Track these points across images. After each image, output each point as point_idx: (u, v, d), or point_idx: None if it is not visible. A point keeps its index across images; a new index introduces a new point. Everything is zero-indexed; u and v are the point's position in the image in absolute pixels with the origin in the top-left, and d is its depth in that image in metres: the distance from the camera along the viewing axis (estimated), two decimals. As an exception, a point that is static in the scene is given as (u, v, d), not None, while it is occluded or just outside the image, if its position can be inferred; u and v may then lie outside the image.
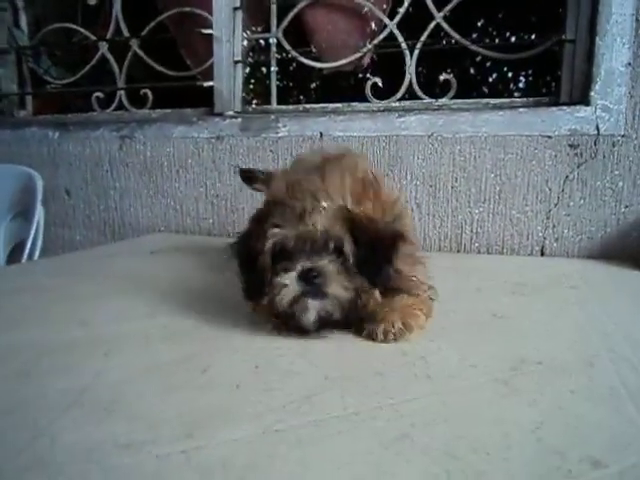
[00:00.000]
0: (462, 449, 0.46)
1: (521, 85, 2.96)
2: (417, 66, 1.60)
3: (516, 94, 2.93)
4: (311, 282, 0.70)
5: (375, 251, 0.73)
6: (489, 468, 0.43)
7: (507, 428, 0.50)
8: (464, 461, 0.44)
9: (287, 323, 0.74)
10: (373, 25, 1.76)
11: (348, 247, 0.72)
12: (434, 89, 1.62)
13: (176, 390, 0.59)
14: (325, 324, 0.74)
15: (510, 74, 2.97)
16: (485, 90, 2.89)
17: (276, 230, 0.72)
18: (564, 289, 1.06)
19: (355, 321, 0.76)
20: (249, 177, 1.36)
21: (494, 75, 2.98)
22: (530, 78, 2.94)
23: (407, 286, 0.79)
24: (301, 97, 3.45)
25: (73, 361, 0.67)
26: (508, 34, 2.74)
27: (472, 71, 2.89)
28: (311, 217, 0.71)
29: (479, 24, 2.79)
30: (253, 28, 1.92)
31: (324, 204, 0.72)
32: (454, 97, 1.55)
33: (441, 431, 0.50)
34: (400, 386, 0.60)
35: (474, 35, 2.58)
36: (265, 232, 0.73)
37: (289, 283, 0.70)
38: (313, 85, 3.31)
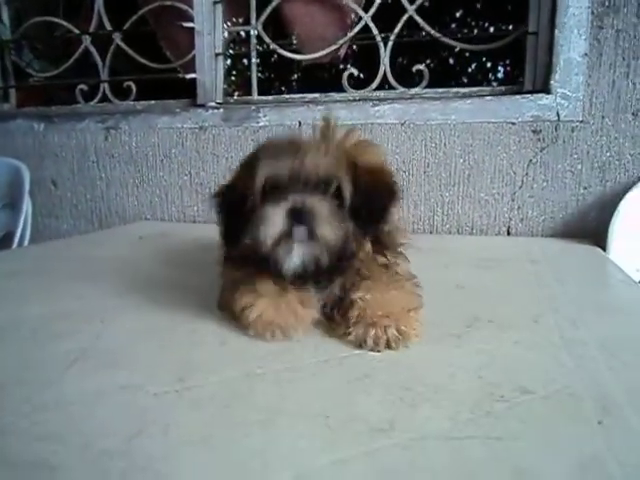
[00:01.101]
0: (415, 384, 0.55)
1: (490, 74, 3.08)
2: (392, 56, 1.67)
3: (494, 83, 3.04)
4: (300, 220, 0.64)
5: (373, 200, 0.68)
6: (436, 396, 0.52)
7: (454, 369, 0.59)
8: (415, 392, 0.53)
9: (266, 270, 0.68)
10: (350, 17, 1.82)
11: (347, 190, 0.67)
12: (408, 78, 1.70)
13: (169, 348, 0.66)
14: (307, 273, 0.67)
15: (479, 64, 3.08)
16: (456, 78, 2.99)
17: (269, 162, 0.67)
18: (524, 263, 1.16)
19: (338, 275, 0.70)
20: None
21: (464, 65, 3.09)
22: (500, 67, 3.06)
23: (390, 271, 0.74)
24: (282, 88, 3.51)
25: (73, 328, 0.74)
26: (478, 26, 2.85)
27: (444, 61, 2.99)
28: (308, 153, 0.66)
29: (451, 16, 2.89)
30: (234, 19, 1.99)
31: (321, 146, 0.68)
32: (426, 86, 1.63)
33: (398, 372, 0.58)
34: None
35: (447, 25, 2.68)
36: (256, 169, 0.67)
37: (276, 217, 0.64)
38: (293, 76, 3.37)
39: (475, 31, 2.91)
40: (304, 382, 0.56)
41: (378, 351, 0.64)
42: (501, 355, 0.63)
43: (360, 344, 0.65)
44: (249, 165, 0.71)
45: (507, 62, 2.95)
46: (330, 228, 0.64)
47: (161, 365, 0.61)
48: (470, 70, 3.10)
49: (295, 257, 0.66)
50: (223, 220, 0.75)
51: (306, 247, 0.65)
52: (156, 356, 0.64)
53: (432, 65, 1.71)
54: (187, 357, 0.63)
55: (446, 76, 2.81)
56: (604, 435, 0.45)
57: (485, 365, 0.60)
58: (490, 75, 3.06)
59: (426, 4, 1.63)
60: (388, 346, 0.64)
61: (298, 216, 0.64)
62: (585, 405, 0.50)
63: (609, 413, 0.48)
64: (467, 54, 2.99)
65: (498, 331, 0.72)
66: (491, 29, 2.81)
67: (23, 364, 0.61)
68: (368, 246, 0.70)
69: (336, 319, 0.71)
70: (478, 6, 2.88)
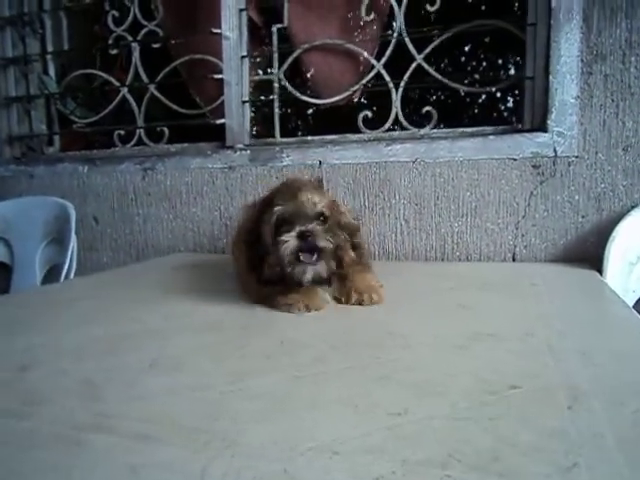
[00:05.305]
0: (423, 383, 0.68)
1: (493, 114, 3.28)
2: (403, 98, 1.84)
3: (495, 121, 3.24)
4: (306, 239, 0.96)
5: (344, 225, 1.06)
6: (440, 390, 0.65)
7: (455, 371, 0.72)
8: (422, 387, 0.66)
9: (287, 280, 1.00)
10: (364, 65, 2.01)
11: (330, 224, 1.01)
12: (418, 118, 1.86)
13: (223, 359, 0.81)
14: (317, 278, 1.01)
15: (483, 106, 3.29)
16: (462, 118, 3.19)
17: (279, 207, 0.99)
18: (524, 286, 1.29)
19: (337, 279, 1.07)
20: None
21: (469, 105, 3.29)
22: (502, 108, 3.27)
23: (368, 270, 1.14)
24: (300, 123, 3.75)
25: (139, 344, 0.89)
26: (481, 70, 3.08)
27: (451, 101, 3.20)
28: (303, 195, 0.99)
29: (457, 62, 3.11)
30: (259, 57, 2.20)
31: (315, 192, 1.02)
32: (437, 126, 1.80)
33: (410, 375, 0.72)
34: (385, 352, 0.82)
35: (453, 68, 2.89)
36: (271, 210, 0.99)
37: (290, 239, 0.96)
38: (314, 112, 3.59)
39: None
40: (335, 382, 0.70)
41: (360, 304, 1.06)
42: (496, 361, 0.76)
43: (360, 303, 1.06)
44: (264, 208, 1.04)
45: (503, 103, 3.16)
46: (325, 241, 0.97)
47: (219, 372, 0.75)
48: (473, 110, 3.30)
49: (308, 273, 0.99)
50: (248, 249, 1.09)
51: (313, 265, 0.98)
52: (213, 365, 0.78)
53: (439, 104, 1.86)
54: (238, 366, 0.78)
55: (453, 115, 3.00)
56: (571, 415, 0.58)
57: (481, 368, 0.73)
58: (490, 114, 3.25)
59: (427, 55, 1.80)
60: (374, 303, 1.07)
61: (304, 236, 0.96)
62: (560, 395, 0.63)
63: (577, 401, 0.61)
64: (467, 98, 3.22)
65: (495, 343, 0.85)
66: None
67: (108, 370, 0.76)
68: (351, 253, 1.07)
69: (340, 298, 1.09)
70: (478, 56, 3.11)
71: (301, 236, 0.95)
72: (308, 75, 2.09)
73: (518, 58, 2.98)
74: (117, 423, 0.58)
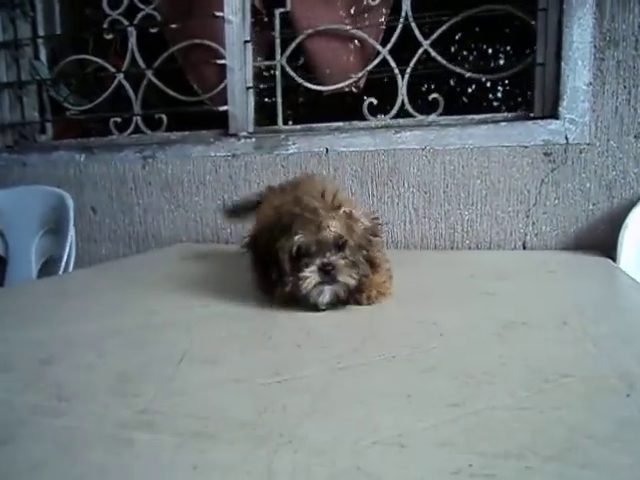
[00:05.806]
0: (472, 371, 0.66)
1: (504, 101, 3.27)
2: (409, 85, 1.81)
3: (503, 108, 3.23)
4: (328, 273, 0.92)
5: (362, 244, 0.99)
6: (492, 379, 0.63)
7: (504, 360, 0.70)
8: (473, 376, 0.64)
9: (305, 304, 0.95)
10: (369, 51, 1.97)
11: (349, 247, 0.95)
12: (424, 105, 1.84)
13: (254, 350, 0.78)
14: (334, 303, 0.96)
15: (492, 92, 3.27)
16: (470, 105, 3.17)
17: (299, 236, 0.93)
18: (543, 273, 1.28)
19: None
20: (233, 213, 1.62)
21: (479, 92, 3.28)
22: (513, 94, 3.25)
23: (378, 265, 1.05)
24: (290, 112, 3.68)
25: (165, 336, 0.85)
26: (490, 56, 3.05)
27: (459, 88, 3.18)
28: (323, 222, 0.93)
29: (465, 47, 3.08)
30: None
31: (333, 217, 0.94)
32: (443, 114, 1.77)
33: (456, 364, 0.69)
34: (420, 341, 0.79)
35: (460, 55, 2.87)
36: (290, 238, 0.93)
37: (311, 275, 0.92)
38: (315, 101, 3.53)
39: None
40: (380, 373, 0.67)
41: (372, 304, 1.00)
42: (538, 349, 0.75)
43: (369, 303, 1.00)
44: (282, 230, 0.96)
45: (513, 90, 3.14)
46: (347, 275, 0.94)
47: (254, 364, 0.73)
48: (483, 97, 3.28)
49: (325, 296, 0.94)
50: (260, 268, 1.03)
51: (332, 288, 0.94)
52: (246, 357, 0.76)
53: (446, 92, 1.83)
54: (273, 357, 0.75)
55: (463, 102, 2.99)
56: (634, 404, 0.56)
57: (526, 356, 0.71)
58: (501, 101, 3.24)
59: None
60: (374, 302, 1.01)
61: (326, 270, 0.92)
62: (614, 383, 0.62)
63: (635, 389, 0.60)
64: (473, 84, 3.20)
65: (531, 331, 0.83)
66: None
67: (139, 363, 0.73)
68: (371, 276, 1.01)
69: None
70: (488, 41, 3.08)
71: (322, 269, 0.93)
72: (310, 61, 2.05)
73: (511, 47, 2.98)
74: (164, 420, 0.55)
